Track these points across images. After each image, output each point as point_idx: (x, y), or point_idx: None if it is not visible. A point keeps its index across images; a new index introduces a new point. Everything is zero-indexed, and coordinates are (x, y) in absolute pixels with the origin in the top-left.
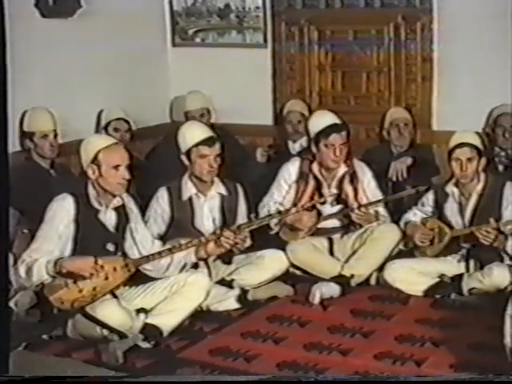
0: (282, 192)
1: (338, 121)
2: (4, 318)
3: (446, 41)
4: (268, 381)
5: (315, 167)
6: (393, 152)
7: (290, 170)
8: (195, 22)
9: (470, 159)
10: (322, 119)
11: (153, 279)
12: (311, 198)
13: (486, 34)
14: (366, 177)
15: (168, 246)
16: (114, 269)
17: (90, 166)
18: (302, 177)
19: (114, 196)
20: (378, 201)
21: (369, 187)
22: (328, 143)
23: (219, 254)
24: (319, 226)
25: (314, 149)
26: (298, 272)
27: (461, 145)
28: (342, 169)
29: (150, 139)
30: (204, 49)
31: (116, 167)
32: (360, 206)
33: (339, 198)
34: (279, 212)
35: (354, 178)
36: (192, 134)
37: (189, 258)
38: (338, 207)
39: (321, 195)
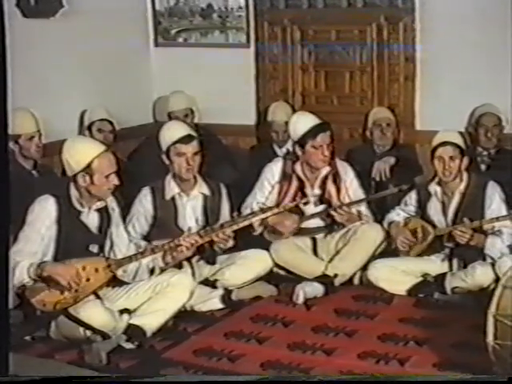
0: (264, 192)
1: (319, 121)
2: (4, 319)
3: (429, 41)
4: (255, 381)
5: (298, 167)
6: (376, 152)
7: (273, 170)
8: (178, 22)
9: (452, 158)
10: (306, 120)
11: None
12: (294, 199)
13: (468, 34)
14: (349, 176)
15: (141, 250)
16: (96, 270)
17: (81, 175)
18: (285, 177)
19: (100, 199)
20: (361, 200)
21: (351, 186)
22: (316, 144)
23: (203, 254)
24: (302, 226)
25: (298, 151)
26: (281, 272)
27: (443, 143)
28: (325, 169)
29: (133, 139)
30: (187, 49)
31: (108, 175)
32: (341, 205)
33: (322, 198)
34: (262, 210)
35: (336, 177)
36: (170, 133)
37: (156, 262)
38: (321, 207)
39: (304, 195)
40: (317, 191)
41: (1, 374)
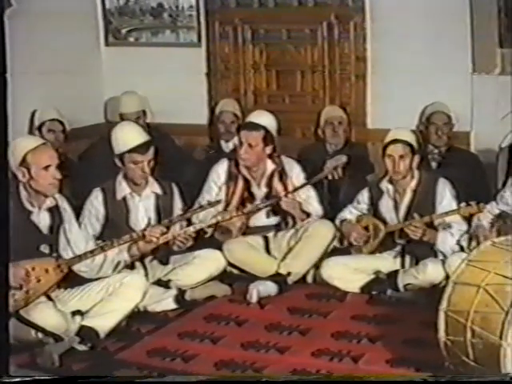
0: (212, 194)
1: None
2: (4, 320)
3: (379, 39)
4: (208, 381)
5: (243, 167)
6: (328, 150)
7: (219, 171)
8: (128, 22)
9: (402, 156)
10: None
11: (88, 281)
12: (241, 198)
13: (418, 33)
14: (295, 171)
15: (101, 244)
16: (46, 270)
17: (19, 169)
18: (231, 177)
19: (47, 197)
20: (303, 185)
21: (298, 181)
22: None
23: (156, 254)
24: (253, 224)
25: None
26: (235, 271)
27: (394, 141)
28: (270, 166)
29: (84, 139)
30: (138, 48)
31: (46, 168)
32: (287, 192)
33: (270, 196)
34: (210, 203)
35: (282, 174)
36: (124, 138)
37: (122, 256)
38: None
39: (250, 194)
40: (264, 189)
41: (0, 375)
